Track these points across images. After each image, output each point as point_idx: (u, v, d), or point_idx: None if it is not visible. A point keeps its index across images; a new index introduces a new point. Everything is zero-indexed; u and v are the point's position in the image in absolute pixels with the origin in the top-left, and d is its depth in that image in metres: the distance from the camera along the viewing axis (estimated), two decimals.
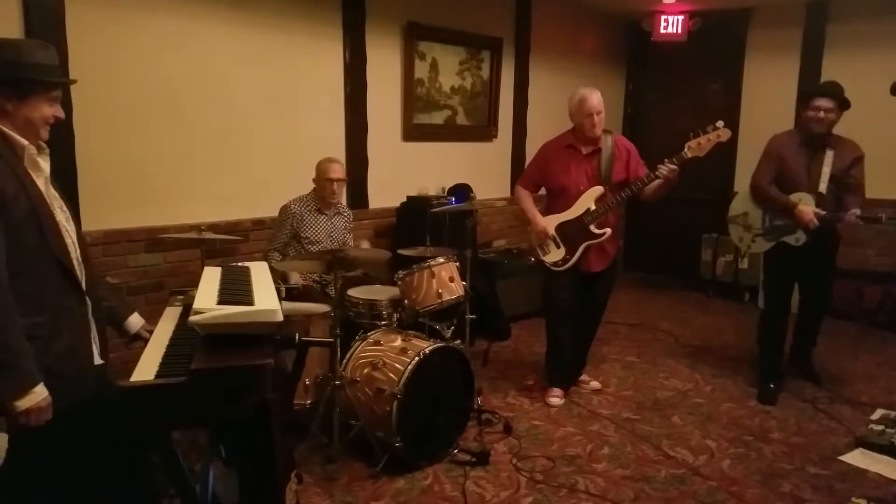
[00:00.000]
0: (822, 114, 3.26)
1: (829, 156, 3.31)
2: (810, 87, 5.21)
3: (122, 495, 1.80)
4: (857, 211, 3.19)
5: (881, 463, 2.82)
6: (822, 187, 3.31)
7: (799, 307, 3.69)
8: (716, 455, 2.91)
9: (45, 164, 1.75)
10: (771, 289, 3.65)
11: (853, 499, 2.49)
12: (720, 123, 3.09)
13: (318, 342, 2.00)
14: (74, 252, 1.76)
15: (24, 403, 1.55)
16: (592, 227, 3.27)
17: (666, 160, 3.12)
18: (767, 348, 3.61)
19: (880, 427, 3.07)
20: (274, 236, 3.54)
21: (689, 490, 2.62)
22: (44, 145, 1.76)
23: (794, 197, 3.36)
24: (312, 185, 3.53)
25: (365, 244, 3.84)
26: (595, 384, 3.63)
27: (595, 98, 3.22)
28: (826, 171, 3.30)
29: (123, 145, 3.39)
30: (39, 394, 1.58)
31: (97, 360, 1.82)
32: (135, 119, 3.41)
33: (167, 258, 3.59)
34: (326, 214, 3.51)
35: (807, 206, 3.30)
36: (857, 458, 2.87)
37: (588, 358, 3.73)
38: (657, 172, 3.13)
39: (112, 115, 3.33)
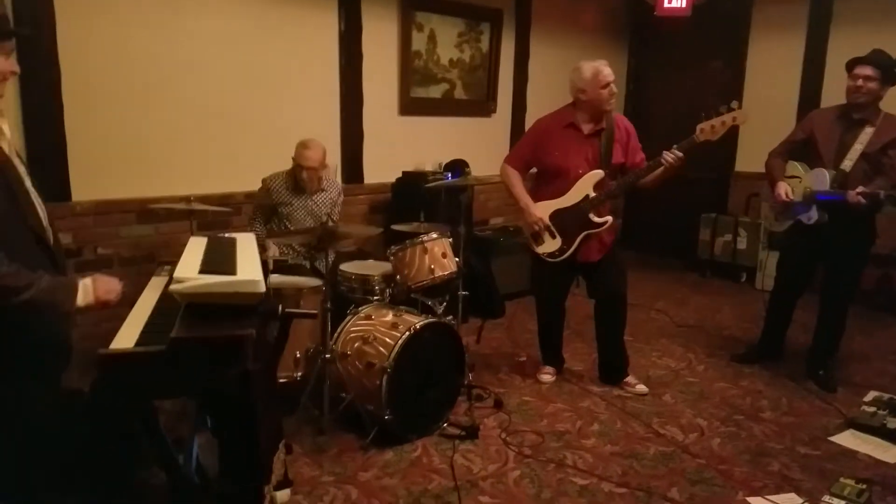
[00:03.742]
0: (860, 82, 3.06)
1: (866, 133, 3.08)
2: (818, 63, 5.15)
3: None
4: (860, 188, 2.97)
5: (871, 444, 2.81)
6: (847, 164, 3.10)
7: (819, 305, 3.46)
8: (706, 433, 2.91)
9: (6, 126, 1.66)
10: (780, 268, 3.59)
11: (841, 479, 2.48)
12: (735, 104, 2.89)
13: (302, 314, 1.98)
14: (45, 220, 1.71)
15: (82, 299, 1.64)
16: (592, 216, 3.06)
17: (675, 146, 2.92)
18: (766, 324, 3.68)
19: (872, 409, 3.06)
20: (255, 208, 3.47)
21: (678, 468, 2.62)
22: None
23: (812, 172, 3.21)
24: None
25: None
26: (642, 388, 3.27)
27: (608, 69, 3.00)
28: (858, 147, 3.09)
29: (115, 116, 3.35)
30: (87, 283, 1.66)
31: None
32: (126, 89, 3.37)
33: (159, 229, 3.58)
34: (304, 193, 3.39)
35: (783, 182, 3.25)
36: (848, 439, 2.86)
37: (627, 359, 3.39)
38: (663, 159, 2.92)
39: (103, 86, 3.29)
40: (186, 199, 3.11)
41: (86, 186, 3.29)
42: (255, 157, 3.75)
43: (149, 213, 3.47)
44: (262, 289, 1.63)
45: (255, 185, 3.78)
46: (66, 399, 1.99)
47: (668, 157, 2.92)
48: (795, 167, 3.34)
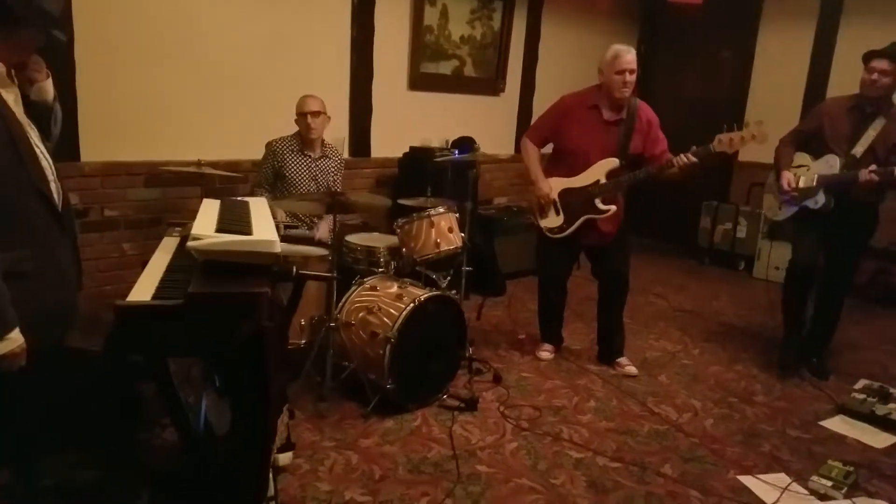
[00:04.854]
0: (875, 75, 3.03)
1: (877, 123, 3.08)
2: (826, 54, 5.15)
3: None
4: (873, 167, 2.94)
5: (860, 430, 2.88)
6: (858, 150, 3.08)
7: (817, 292, 3.43)
8: (699, 414, 2.97)
9: (12, 83, 1.63)
10: (792, 257, 3.42)
11: (829, 461, 2.55)
12: (758, 122, 2.90)
13: (316, 276, 2.01)
14: (52, 177, 1.67)
15: (3, 346, 1.46)
16: (597, 202, 3.09)
17: (692, 148, 2.93)
18: (785, 316, 3.48)
19: (862, 396, 3.13)
20: (258, 174, 3.47)
21: (671, 445, 2.69)
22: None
23: (822, 159, 3.19)
24: (296, 127, 3.42)
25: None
26: (631, 369, 3.32)
27: (630, 55, 2.98)
28: (871, 133, 3.07)
29: (126, 77, 3.35)
30: (15, 340, 1.48)
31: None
32: (138, 52, 3.36)
33: (167, 193, 3.59)
34: (310, 156, 3.41)
35: (788, 172, 3.22)
36: (838, 424, 2.93)
37: (623, 340, 3.43)
38: (678, 160, 2.94)
39: (115, 47, 3.28)
40: (196, 164, 3.12)
41: (95, 147, 3.30)
42: (263, 126, 3.74)
43: (156, 176, 3.48)
44: (278, 249, 1.66)
45: (261, 153, 3.81)
46: (69, 358, 2.01)
47: (682, 160, 2.93)
48: (803, 157, 3.32)
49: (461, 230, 3.18)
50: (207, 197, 3.33)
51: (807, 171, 3.25)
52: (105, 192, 3.41)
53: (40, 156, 1.65)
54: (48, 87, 1.76)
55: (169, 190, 3.57)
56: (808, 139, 3.33)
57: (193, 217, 1.98)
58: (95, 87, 3.23)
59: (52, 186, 1.68)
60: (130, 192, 3.49)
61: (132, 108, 3.40)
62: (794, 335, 3.47)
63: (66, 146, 3.19)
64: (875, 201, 3.20)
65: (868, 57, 3.12)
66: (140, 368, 2.57)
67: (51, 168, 1.68)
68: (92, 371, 2.55)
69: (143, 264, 1.99)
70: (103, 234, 3.44)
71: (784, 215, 3.41)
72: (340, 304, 2.91)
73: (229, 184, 3.64)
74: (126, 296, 1.61)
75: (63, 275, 1.72)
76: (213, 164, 3.48)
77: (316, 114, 3.32)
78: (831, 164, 3.15)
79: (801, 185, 3.22)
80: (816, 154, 3.27)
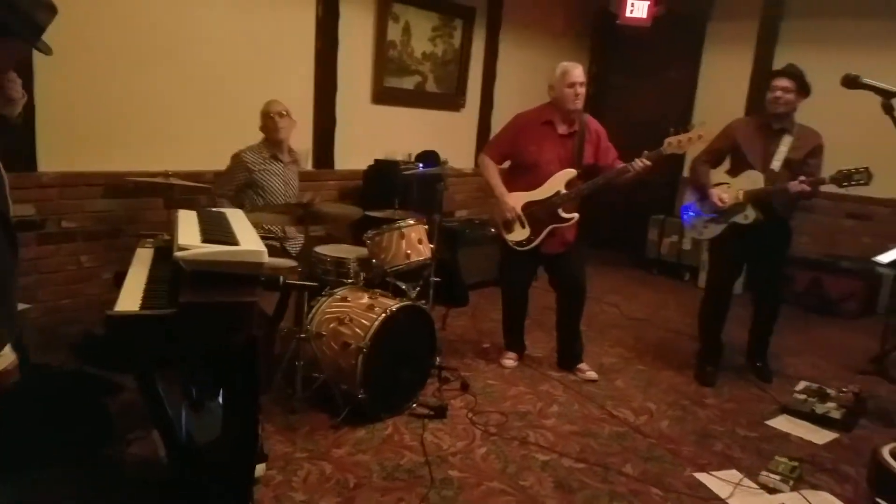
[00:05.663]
0: (778, 93, 3.24)
1: (786, 139, 3.29)
2: (764, 77, 5.50)
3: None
4: (802, 177, 3.14)
5: (803, 427, 3.09)
6: (776, 165, 3.28)
7: (753, 303, 3.68)
8: (655, 416, 3.12)
9: None
10: (714, 275, 3.62)
11: (776, 457, 2.72)
12: (701, 122, 3.11)
13: (302, 285, 2.04)
14: (9, 197, 1.56)
15: None
16: (560, 211, 3.24)
17: (644, 153, 3.11)
18: (706, 333, 3.64)
19: (803, 396, 3.35)
20: (222, 183, 3.40)
21: (631, 446, 2.82)
22: None
23: (743, 175, 3.36)
24: (261, 136, 3.41)
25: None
26: (592, 374, 3.47)
27: (578, 70, 3.18)
28: (783, 149, 3.28)
29: (87, 85, 3.29)
30: (7, 356, 1.43)
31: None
32: (99, 60, 3.31)
33: (126, 205, 3.52)
34: (282, 161, 3.41)
35: (716, 190, 3.36)
36: (782, 422, 3.13)
37: (582, 347, 3.59)
38: (632, 165, 3.11)
39: (76, 53, 3.22)
40: (164, 174, 3.09)
41: (53, 157, 3.22)
42: (226, 137, 3.71)
43: (115, 187, 3.42)
44: (266, 259, 1.69)
45: (224, 164, 3.78)
46: (32, 374, 1.96)
47: (637, 164, 3.11)
48: (721, 175, 3.49)
49: (430, 241, 3.26)
50: (167, 208, 3.31)
51: (728, 188, 3.40)
52: (63, 203, 3.32)
53: (4, 176, 1.57)
54: (19, 105, 1.72)
55: (129, 201, 3.51)
56: (722, 157, 3.51)
57: (156, 227, 1.96)
58: (55, 94, 3.15)
59: (10, 205, 1.58)
60: (88, 203, 3.41)
61: (91, 117, 3.33)
62: (713, 353, 3.63)
63: (22, 156, 3.11)
64: (790, 217, 3.43)
65: (769, 77, 3.35)
66: (105, 382, 2.53)
67: (6, 184, 1.59)
68: (54, 385, 2.50)
69: (118, 276, 1.95)
70: (60, 246, 3.35)
71: (711, 234, 3.52)
72: (310, 315, 2.93)
73: (191, 195, 3.59)
74: (103, 308, 1.59)
75: (14, 298, 1.64)
76: (175, 175, 3.44)
77: (282, 114, 3.32)
78: (755, 180, 3.31)
79: (729, 201, 3.36)
80: (733, 171, 3.45)
